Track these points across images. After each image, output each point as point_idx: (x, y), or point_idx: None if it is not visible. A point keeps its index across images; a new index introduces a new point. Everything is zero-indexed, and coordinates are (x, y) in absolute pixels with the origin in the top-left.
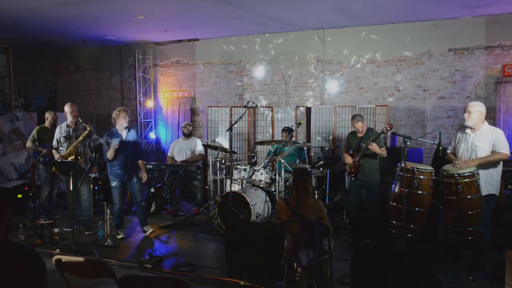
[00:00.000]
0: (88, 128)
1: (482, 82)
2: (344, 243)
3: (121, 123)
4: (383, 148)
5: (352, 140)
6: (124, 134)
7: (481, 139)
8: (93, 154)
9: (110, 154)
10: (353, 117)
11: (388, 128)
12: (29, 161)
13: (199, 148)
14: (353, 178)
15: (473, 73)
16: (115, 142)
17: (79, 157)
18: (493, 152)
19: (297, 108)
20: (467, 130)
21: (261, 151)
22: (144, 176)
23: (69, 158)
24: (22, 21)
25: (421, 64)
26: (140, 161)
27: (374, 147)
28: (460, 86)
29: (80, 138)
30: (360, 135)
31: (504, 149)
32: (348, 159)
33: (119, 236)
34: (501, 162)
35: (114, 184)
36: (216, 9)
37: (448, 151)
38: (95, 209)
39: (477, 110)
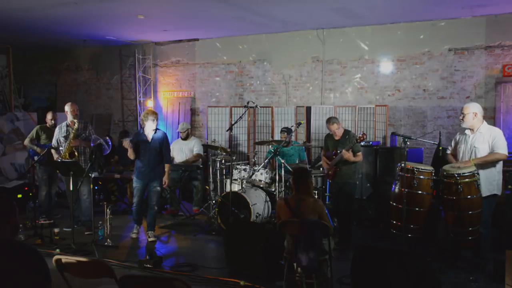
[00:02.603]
0: (76, 124)
1: (482, 82)
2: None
3: (148, 125)
4: (359, 154)
5: (329, 143)
6: (150, 136)
7: (480, 139)
8: (93, 153)
9: (129, 153)
10: (328, 120)
11: (362, 138)
12: (29, 161)
13: (197, 148)
14: (330, 181)
15: (473, 73)
16: (126, 141)
17: (75, 153)
18: (490, 153)
19: (297, 108)
20: (467, 131)
21: (261, 151)
22: (165, 182)
23: (67, 156)
24: (22, 21)
25: (421, 64)
26: (166, 165)
27: (348, 155)
28: (460, 86)
29: (71, 136)
30: (337, 138)
31: (502, 149)
32: (325, 163)
33: (133, 236)
34: (501, 161)
35: (134, 184)
36: (216, 9)
37: (448, 152)
38: (95, 209)
39: (470, 111)
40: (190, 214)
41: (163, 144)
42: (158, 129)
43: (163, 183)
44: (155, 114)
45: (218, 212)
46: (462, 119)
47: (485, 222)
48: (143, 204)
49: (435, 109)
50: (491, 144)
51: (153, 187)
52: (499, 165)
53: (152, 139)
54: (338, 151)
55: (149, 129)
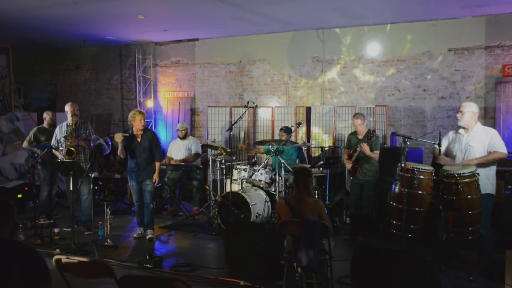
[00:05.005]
0: (71, 123)
1: (482, 82)
2: (344, 243)
3: (136, 126)
4: (376, 151)
5: (352, 141)
6: (139, 135)
7: (475, 139)
8: (93, 153)
9: (119, 151)
10: (354, 115)
11: (372, 135)
12: (29, 161)
13: (195, 147)
14: (351, 178)
15: (473, 73)
16: (119, 134)
17: (74, 151)
18: (490, 152)
19: (297, 108)
20: (460, 130)
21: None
22: (155, 180)
23: (66, 155)
24: (22, 21)
25: (421, 64)
26: (157, 163)
27: (364, 148)
28: (460, 86)
29: (68, 135)
30: (360, 136)
31: (502, 148)
32: (345, 160)
33: (148, 236)
34: (495, 162)
35: (129, 183)
36: (216, 9)
37: (441, 150)
38: (95, 209)
39: (470, 110)
40: (190, 214)
41: (153, 142)
42: (147, 128)
43: (154, 181)
44: (142, 114)
45: (218, 212)
46: (461, 117)
47: (485, 223)
48: (143, 202)
49: (435, 109)
50: (489, 143)
51: (146, 186)
52: (495, 165)
53: (141, 139)
54: (357, 149)
55: (138, 129)
